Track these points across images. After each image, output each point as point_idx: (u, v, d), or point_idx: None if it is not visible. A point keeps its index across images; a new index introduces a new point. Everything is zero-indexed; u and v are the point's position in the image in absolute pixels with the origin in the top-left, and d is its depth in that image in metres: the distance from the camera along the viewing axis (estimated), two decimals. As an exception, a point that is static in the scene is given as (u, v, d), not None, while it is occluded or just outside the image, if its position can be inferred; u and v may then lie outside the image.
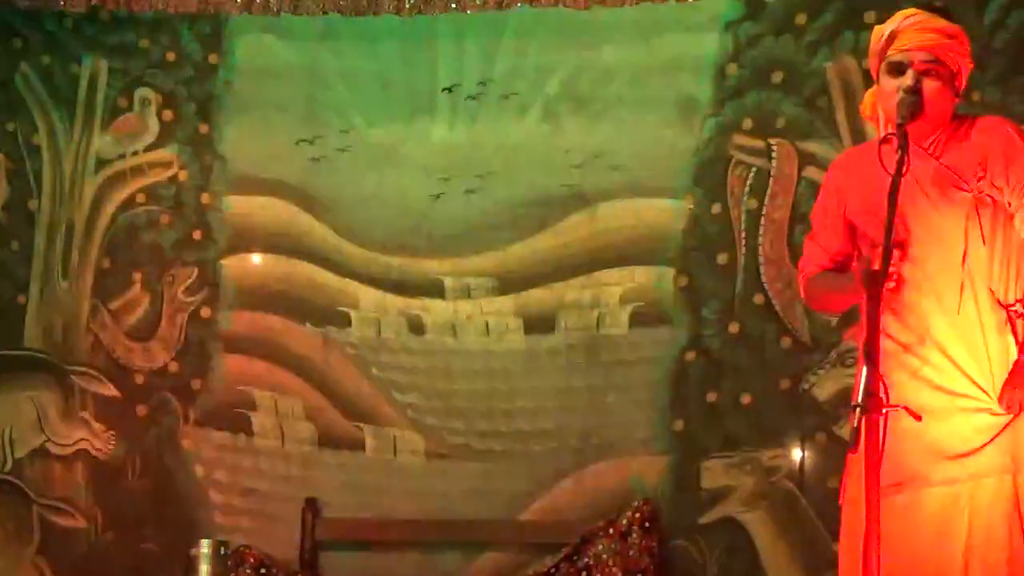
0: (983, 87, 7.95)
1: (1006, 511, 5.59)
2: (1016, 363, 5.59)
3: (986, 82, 7.96)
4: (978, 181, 5.68)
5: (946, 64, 5.67)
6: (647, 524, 8.31)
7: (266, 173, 9.17)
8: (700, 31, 8.70)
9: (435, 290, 8.95)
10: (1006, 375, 5.58)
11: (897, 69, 5.67)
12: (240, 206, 9.16)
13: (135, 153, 9.27)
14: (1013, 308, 5.67)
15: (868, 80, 6.07)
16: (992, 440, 5.58)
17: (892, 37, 5.71)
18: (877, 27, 5.81)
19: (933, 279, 5.66)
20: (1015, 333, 5.64)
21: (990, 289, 5.65)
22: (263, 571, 8.54)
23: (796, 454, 8.30)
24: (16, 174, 9.32)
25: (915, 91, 5.59)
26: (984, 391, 5.59)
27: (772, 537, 8.29)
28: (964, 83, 5.82)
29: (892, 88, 5.66)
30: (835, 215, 5.89)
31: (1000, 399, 5.57)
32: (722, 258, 8.55)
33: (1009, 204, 5.66)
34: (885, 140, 5.64)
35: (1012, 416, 5.56)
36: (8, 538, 9.03)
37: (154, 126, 9.27)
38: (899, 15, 5.74)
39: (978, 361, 5.61)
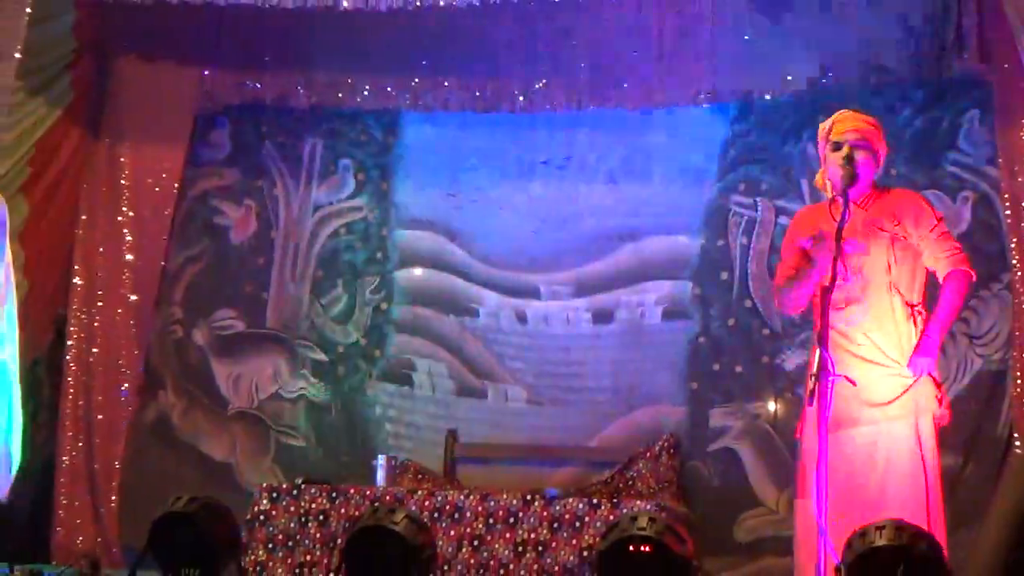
0: (897, 165, 8.00)
1: (911, 445, 5.73)
2: (917, 343, 5.74)
3: (899, 162, 8.00)
4: (894, 227, 5.83)
5: (870, 144, 5.83)
6: (672, 450, 8.31)
7: (424, 215, 9.17)
8: (710, 125, 8.69)
9: (534, 293, 8.93)
10: (911, 351, 5.73)
11: (836, 147, 5.85)
12: (407, 237, 9.18)
13: (339, 202, 9.28)
14: (916, 307, 5.82)
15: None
16: (901, 395, 5.71)
17: (832, 125, 5.89)
18: (822, 123, 5.99)
19: (863, 289, 5.81)
20: (916, 324, 5.78)
21: (901, 294, 5.78)
22: (420, 477, 8.47)
23: (771, 406, 8.32)
24: (262, 214, 9.33)
25: (850, 160, 5.77)
26: (896, 362, 5.74)
27: (755, 460, 8.31)
28: (883, 161, 5.99)
29: (833, 160, 5.84)
30: (794, 245, 6.04)
31: (908, 367, 5.72)
32: (723, 275, 8.57)
33: (918, 245, 5.81)
34: (832, 201, 5.82)
35: (915, 378, 5.72)
36: (254, 451, 9.05)
37: (351, 184, 9.28)
38: (836, 113, 5.92)
39: (893, 342, 5.77)
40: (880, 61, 8.03)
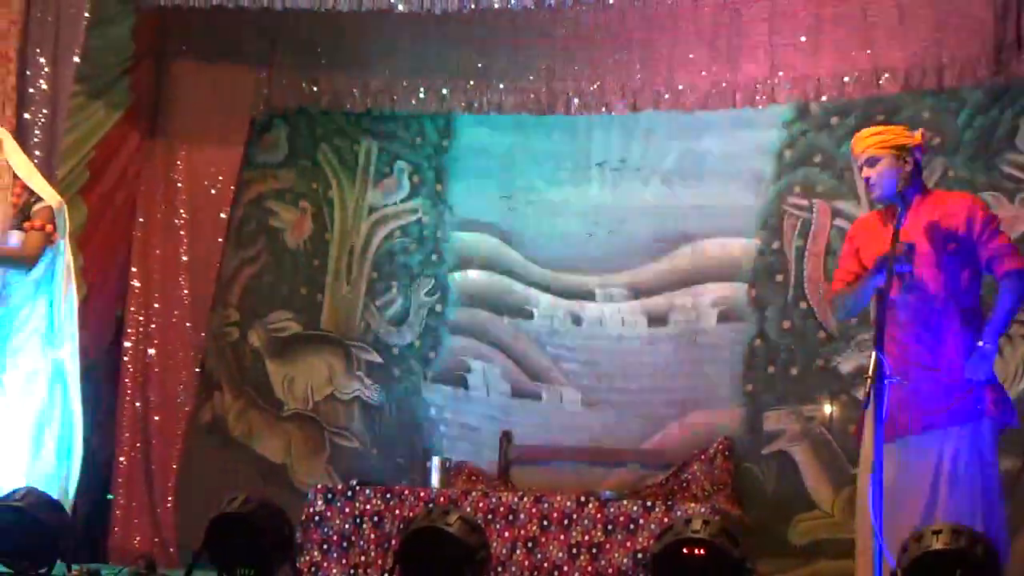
0: (956, 166, 7.96)
1: (968, 449, 5.70)
2: (974, 347, 5.72)
3: (958, 163, 7.96)
4: (949, 230, 5.82)
5: (887, 150, 5.82)
6: (727, 453, 8.29)
7: (479, 217, 9.19)
8: (766, 127, 8.64)
9: (589, 296, 8.92)
10: (968, 355, 5.70)
11: (860, 171, 5.90)
12: (462, 239, 9.20)
13: (394, 204, 9.30)
14: (972, 311, 5.80)
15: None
16: (958, 400, 5.68)
17: (851, 151, 5.93)
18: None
19: (919, 293, 5.79)
20: (972, 328, 5.76)
21: (956, 298, 5.77)
22: (474, 478, 8.54)
23: (827, 408, 8.26)
24: (317, 217, 9.37)
25: (868, 181, 5.83)
26: (954, 367, 5.70)
27: (810, 463, 8.25)
28: (920, 151, 5.97)
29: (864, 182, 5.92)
30: (852, 254, 6.06)
31: (965, 371, 5.69)
32: (779, 277, 8.52)
33: (973, 247, 5.79)
34: (889, 206, 5.82)
35: (972, 383, 5.69)
36: (309, 452, 9.11)
37: (406, 186, 9.29)
38: (855, 136, 5.91)
39: (949, 346, 5.74)
40: (937, 62, 7.97)
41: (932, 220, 5.86)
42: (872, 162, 5.89)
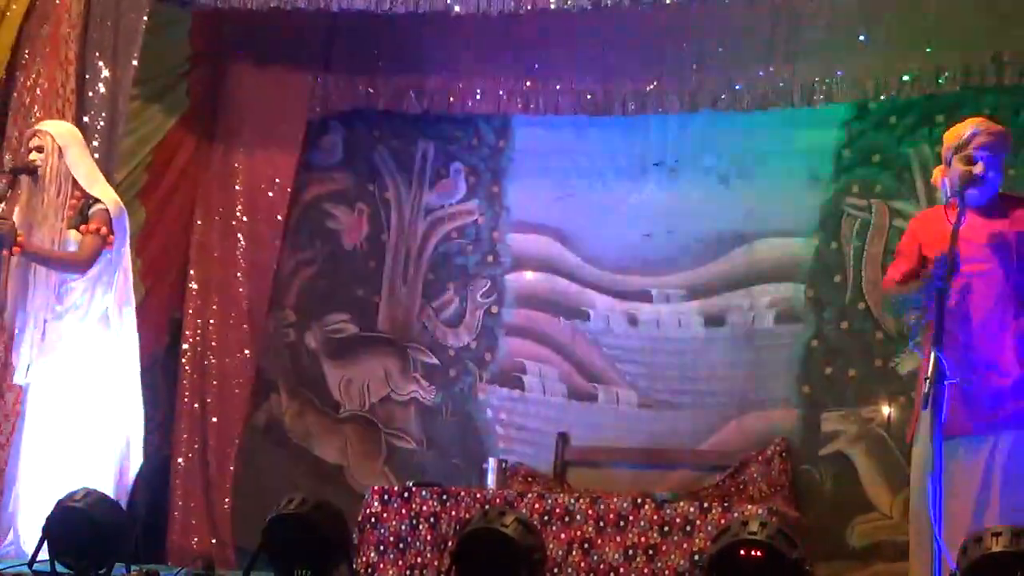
0: (1017, 166, 7.85)
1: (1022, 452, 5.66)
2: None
3: (1019, 163, 7.87)
4: (1013, 233, 5.77)
5: (998, 152, 5.77)
6: (784, 454, 8.24)
7: (535, 218, 9.19)
8: (824, 127, 8.59)
9: (645, 297, 8.89)
10: (1025, 358, 5.68)
11: (969, 160, 5.77)
12: (518, 240, 9.21)
13: (450, 205, 9.34)
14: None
15: (937, 160, 6.09)
16: (1014, 403, 5.64)
17: (969, 137, 5.81)
18: (957, 126, 5.91)
19: (980, 295, 5.75)
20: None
21: (1017, 301, 5.72)
22: (530, 480, 8.55)
23: (885, 410, 8.21)
24: (373, 218, 9.42)
25: (970, 161, 5.71)
26: (1014, 371, 5.66)
27: (868, 465, 8.20)
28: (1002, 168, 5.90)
29: (961, 170, 5.77)
30: (912, 248, 6.02)
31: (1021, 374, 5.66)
32: (837, 278, 8.47)
33: None
34: (950, 204, 5.78)
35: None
36: (366, 453, 9.16)
37: (463, 187, 9.32)
38: (971, 122, 5.83)
39: (1008, 349, 5.69)
40: (997, 59, 7.90)
41: (998, 223, 5.83)
42: (987, 153, 5.81)
